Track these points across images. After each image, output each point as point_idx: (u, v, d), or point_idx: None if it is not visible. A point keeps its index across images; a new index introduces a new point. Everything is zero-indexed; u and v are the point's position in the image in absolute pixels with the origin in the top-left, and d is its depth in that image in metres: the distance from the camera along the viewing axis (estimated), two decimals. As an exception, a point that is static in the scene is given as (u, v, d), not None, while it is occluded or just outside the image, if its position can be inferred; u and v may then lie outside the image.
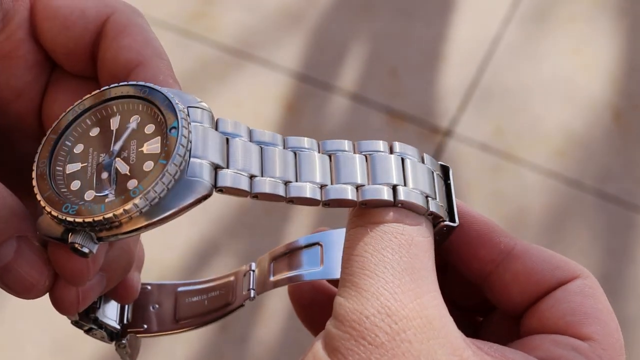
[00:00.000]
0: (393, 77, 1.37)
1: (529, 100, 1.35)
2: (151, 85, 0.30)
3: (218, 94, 1.34)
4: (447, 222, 0.31)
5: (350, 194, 0.30)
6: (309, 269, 0.38)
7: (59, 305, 0.32)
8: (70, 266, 0.30)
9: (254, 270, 0.40)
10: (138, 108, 0.31)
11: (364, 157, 0.31)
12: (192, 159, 0.29)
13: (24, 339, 1.11)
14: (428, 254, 0.28)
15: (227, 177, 0.29)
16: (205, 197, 0.29)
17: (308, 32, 1.42)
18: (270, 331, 1.12)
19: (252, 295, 0.39)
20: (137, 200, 0.28)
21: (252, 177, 0.30)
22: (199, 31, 1.41)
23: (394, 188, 0.30)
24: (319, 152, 0.31)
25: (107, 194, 0.29)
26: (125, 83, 0.31)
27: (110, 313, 0.40)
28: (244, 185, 0.30)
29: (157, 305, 0.42)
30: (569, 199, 1.26)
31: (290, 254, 0.39)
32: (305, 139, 0.32)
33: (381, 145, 0.31)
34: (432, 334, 0.25)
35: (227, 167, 0.30)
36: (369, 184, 0.30)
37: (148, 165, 0.29)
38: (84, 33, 0.32)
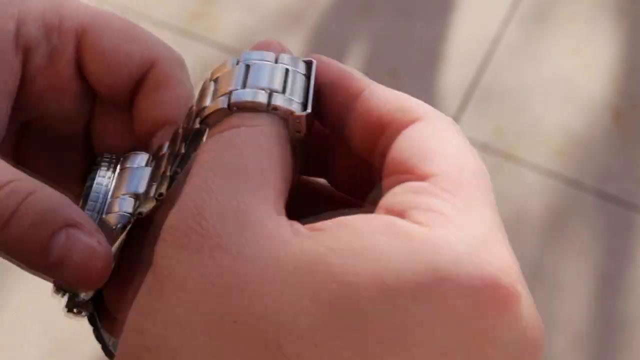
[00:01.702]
0: (393, 77, 1.37)
1: (529, 100, 1.35)
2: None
3: (218, 94, 1.34)
4: (296, 113, 0.29)
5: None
6: None
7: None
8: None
9: None
10: None
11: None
12: None
13: (24, 339, 1.11)
14: (266, 153, 0.27)
15: None
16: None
17: (308, 32, 1.42)
18: (270, 331, 1.12)
19: None
20: None
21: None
22: (199, 31, 1.42)
23: (230, 93, 0.28)
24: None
25: None
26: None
27: None
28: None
29: None
30: (569, 199, 1.26)
31: None
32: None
33: (228, 63, 0.30)
34: (245, 226, 0.24)
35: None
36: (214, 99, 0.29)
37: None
38: (128, 79, 0.34)
